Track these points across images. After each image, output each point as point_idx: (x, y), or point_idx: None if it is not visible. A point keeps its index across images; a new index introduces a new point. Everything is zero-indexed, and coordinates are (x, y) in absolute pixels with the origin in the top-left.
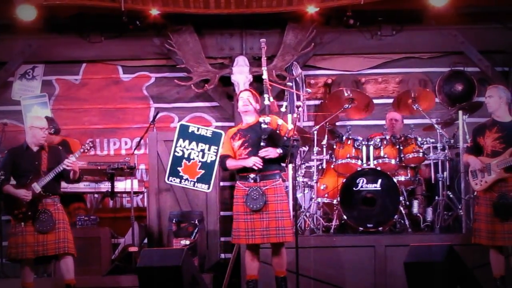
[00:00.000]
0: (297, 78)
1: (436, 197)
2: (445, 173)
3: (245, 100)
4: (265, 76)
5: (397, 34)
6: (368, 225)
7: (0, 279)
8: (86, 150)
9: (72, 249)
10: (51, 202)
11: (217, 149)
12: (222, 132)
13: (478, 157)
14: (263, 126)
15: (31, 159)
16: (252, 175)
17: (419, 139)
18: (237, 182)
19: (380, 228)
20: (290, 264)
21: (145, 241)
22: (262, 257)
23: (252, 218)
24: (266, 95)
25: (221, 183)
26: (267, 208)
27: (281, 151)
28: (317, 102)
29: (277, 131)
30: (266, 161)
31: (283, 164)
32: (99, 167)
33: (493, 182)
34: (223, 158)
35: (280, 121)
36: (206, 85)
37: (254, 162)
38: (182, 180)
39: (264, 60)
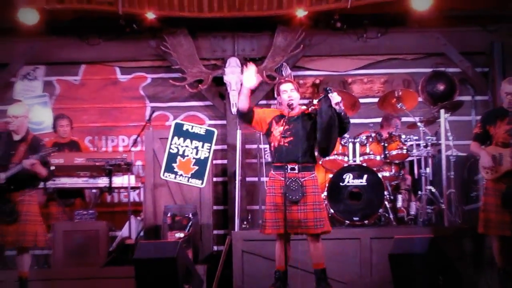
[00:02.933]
0: (286, 78)
1: (419, 192)
2: (427, 169)
3: (290, 94)
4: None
5: (382, 36)
6: (354, 219)
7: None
8: (48, 155)
9: (31, 242)
10: (17, 193)
11: (210, 146)
12: (215, 130)
13: (487, 148)
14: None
15: (8, 147)
16: (290, 166)
17: (403, 136)
18: (272, 172)
19: (366, 222)
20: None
21: (141, 234)
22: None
23: (290, 210)
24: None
25: (214, 179)
26: (306, 199)
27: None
28: (305, 101)
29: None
30: (305, 152)
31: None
32: (97, 163)
33: (504, 173)
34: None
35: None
36: (199, 85)
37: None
38: (177, 176)
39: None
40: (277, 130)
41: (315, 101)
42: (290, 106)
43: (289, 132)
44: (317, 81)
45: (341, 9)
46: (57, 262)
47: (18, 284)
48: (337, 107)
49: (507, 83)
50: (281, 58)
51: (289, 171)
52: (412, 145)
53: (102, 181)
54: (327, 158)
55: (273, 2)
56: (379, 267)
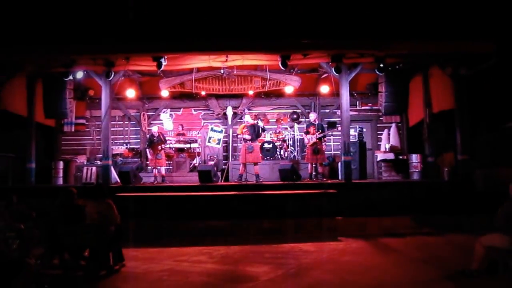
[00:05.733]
0: (247, 113)
1: (288, 149)
2: (291, 142)
3: (247, 119)
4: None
5: (277, 99)
6: (268, 157)
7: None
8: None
9: (162, 164)
10: (161, 150)
11: (222, 135)
12: (223, 129)
13: (308, 135)
14: (260, 124)
15: (156, 139)
16: (249, 140)
17: (283, 131)
18: (243, 142)
19: (271, 158)
20: (243, 169)
21: (200, 162)
22: (239, 168)
23: (247, 153)
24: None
25: (223, 144)
26: (253, 151)
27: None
28: (251, 120)
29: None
30: (253, 136)
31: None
32: (187, 140)
33: (313, 142)
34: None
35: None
36: (219, 115)
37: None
38: (211, 143)
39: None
40: (245, 130)
41: (255, 121)
42: (248, 123)
43: (247, 130)
44: (255, 114)
45: (264, 91)
46: (174, 170)
47: (161, 179)
48: (262, 126)
49: (312, 112)
50: (244, 107)
51: (248, 142)
52: (286, 134)
53: (188, 146)
54: (259, 139)
55: (242, 88)
56: (276, 172)
